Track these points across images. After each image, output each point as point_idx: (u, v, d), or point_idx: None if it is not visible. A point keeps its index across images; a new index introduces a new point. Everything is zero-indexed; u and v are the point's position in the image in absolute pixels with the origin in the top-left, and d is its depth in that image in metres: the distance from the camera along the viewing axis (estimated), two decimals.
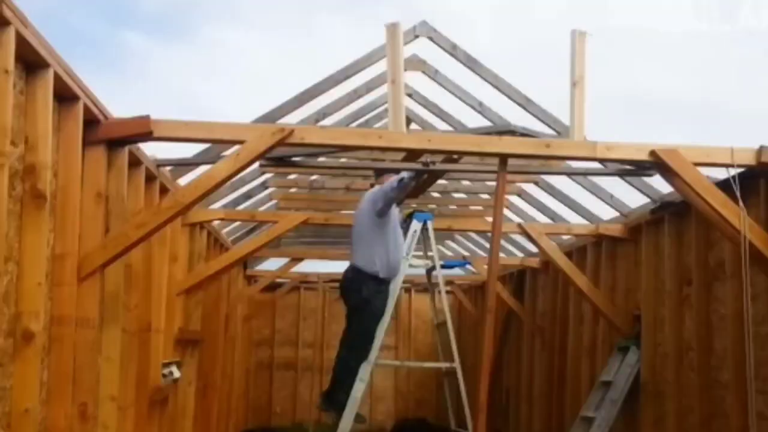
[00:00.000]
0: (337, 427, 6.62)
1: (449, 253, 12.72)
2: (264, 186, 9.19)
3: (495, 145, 5.29)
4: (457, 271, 12.94)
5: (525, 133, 5.72)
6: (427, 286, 7.63)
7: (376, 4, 34.61)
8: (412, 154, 6.29)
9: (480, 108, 7.38)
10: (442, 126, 8.18)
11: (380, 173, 7.10)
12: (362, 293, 6.82)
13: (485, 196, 9.78)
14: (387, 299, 6.75)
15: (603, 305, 7.71)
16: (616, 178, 6.85)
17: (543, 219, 9.25)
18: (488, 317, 5.64)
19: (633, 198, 7.46)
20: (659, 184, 6.57)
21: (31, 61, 3.77)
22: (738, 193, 4.93)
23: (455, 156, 6.20)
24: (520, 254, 11.06)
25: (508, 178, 5.83)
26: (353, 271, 6.93)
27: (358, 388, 6.56)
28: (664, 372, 6.69)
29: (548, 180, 8.50)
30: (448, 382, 7.16)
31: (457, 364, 6.69)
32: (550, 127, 6.74)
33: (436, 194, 9.94)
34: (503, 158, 5.46)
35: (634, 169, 5.92)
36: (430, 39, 6.86)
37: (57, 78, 3.93)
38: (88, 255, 4.43)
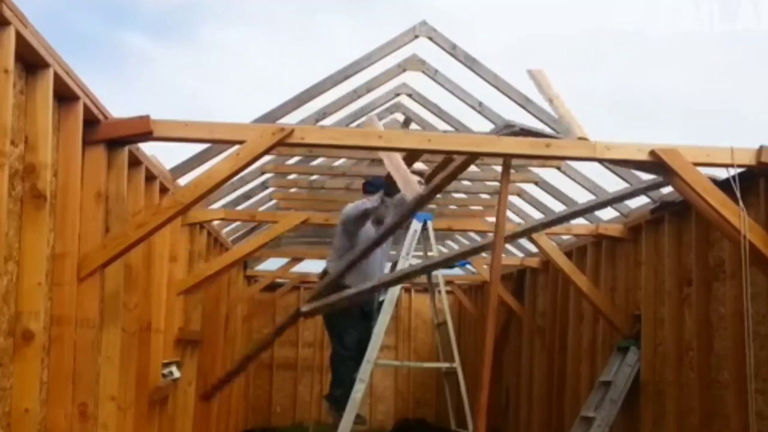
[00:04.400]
0: (336, 427, 6.61)
1: None
2: (264, 186, 9.19)
3: (494, 145, 5.27)
4: (457, 271, 12.94)
5: (538, 133, 5.68)
6: (427, 286, 7.62)
7: (376, 4, 34.64)
8: (411, 154, 6.29)
9: (480, 108, 7.38)
10: (442, 126, 8.18)
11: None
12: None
13: (485, 196, 9.77)
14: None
15: (603, 305, 7.70)
16: (616, 178, 6.86)
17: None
18: (490, 315, 5.64)
19: (633, 198, 7.45)
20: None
21: (31, 61, 3.77)
22: (738, 193, 4.92)
23: (455, 156, 6.18)
24: (520, 254, 11.05)
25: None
26: None
27: (358, 388, 6.55)
28: (664, 372, 6.68)
29: (548, 180, 8.50)
30: (448, 382, 7.16)
31: (457, 364, 6.68)
32: (549, 126, 6.74)
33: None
34: (506, 160, 5.45)
35: (645, 188, 5.91)
36: (430, 39, 6.87)
37: (57, 78, 3.93)
38: (87, 255, 4.43)
